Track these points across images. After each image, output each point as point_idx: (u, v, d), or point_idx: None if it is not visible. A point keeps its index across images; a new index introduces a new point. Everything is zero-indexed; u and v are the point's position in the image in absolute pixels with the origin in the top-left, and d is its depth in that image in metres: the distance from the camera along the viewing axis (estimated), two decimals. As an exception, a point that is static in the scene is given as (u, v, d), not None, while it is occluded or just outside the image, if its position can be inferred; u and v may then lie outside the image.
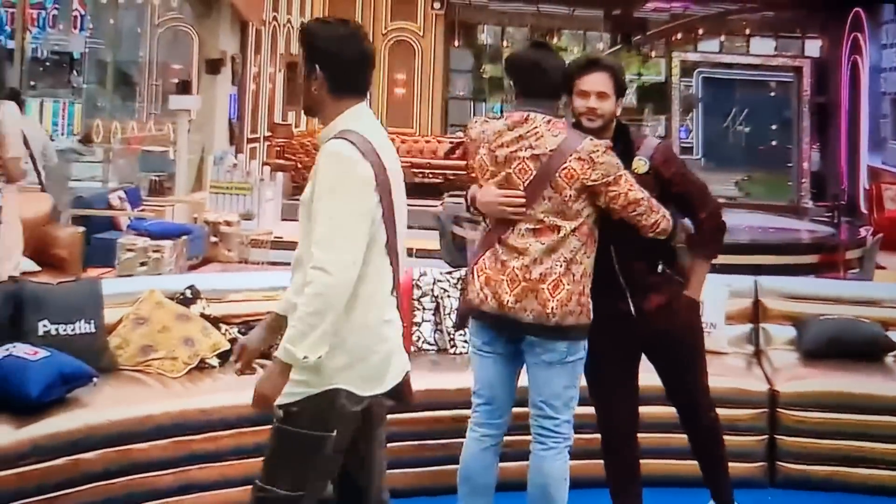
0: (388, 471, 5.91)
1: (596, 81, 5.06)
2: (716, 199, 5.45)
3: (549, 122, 4.95)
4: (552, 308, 4.88)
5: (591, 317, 4.98)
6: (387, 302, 4.05)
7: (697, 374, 5.52)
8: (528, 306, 4.91)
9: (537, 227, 4.92)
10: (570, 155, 4.86)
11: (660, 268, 5.22)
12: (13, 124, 9.24)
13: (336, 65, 4.01)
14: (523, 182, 4.93)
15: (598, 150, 4.87)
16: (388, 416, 5.97)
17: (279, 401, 3.91)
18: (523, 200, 4.91)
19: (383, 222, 3.94)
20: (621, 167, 4.93)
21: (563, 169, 4.86)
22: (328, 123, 4.05)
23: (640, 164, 5.12)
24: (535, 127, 4.94)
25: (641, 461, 5.45)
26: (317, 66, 4.01)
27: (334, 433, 3.95)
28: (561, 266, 4.89)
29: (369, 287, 3.93)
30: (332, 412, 3.92)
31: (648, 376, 5.43)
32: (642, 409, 5.44)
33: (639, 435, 5.44)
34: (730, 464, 6.31)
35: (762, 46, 25.02)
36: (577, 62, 5.21)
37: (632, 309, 5.16)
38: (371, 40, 4.19)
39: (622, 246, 5.08)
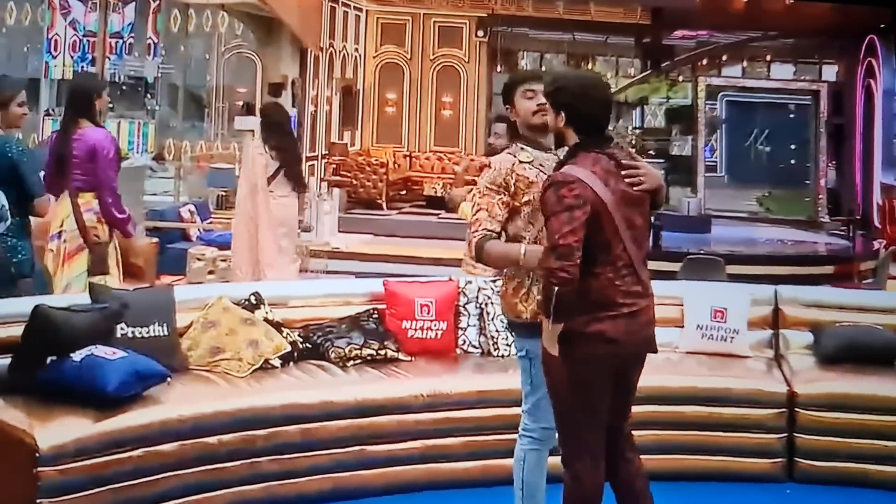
0: (439, 465, 5.99)
1: None
2: (564, 262, 4.26)
3: None
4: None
5: (521, 318, 4.79)
6: None
7: (557, 416, 4.67)
8: None
9: None
10: None
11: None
12: None
13: None
14: None
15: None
16: (438, 416, 6.01)
17: None
18: None
19: None
20: (484, 186, 4.78)
21: None
22: None
23: None
24: None
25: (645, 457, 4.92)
26: None
27: None
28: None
29: None
30: None
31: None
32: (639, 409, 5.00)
33: (637, 433, 4.86)
34: (752, 460, 6.32)
35: (782, 71, 24.86)
36: None
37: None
38: None
39: None
